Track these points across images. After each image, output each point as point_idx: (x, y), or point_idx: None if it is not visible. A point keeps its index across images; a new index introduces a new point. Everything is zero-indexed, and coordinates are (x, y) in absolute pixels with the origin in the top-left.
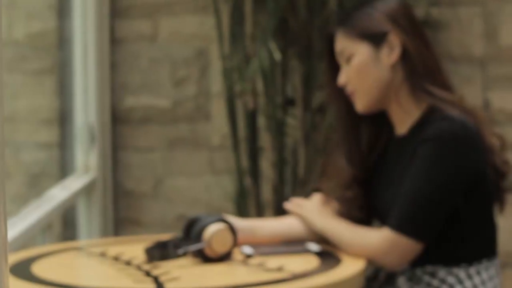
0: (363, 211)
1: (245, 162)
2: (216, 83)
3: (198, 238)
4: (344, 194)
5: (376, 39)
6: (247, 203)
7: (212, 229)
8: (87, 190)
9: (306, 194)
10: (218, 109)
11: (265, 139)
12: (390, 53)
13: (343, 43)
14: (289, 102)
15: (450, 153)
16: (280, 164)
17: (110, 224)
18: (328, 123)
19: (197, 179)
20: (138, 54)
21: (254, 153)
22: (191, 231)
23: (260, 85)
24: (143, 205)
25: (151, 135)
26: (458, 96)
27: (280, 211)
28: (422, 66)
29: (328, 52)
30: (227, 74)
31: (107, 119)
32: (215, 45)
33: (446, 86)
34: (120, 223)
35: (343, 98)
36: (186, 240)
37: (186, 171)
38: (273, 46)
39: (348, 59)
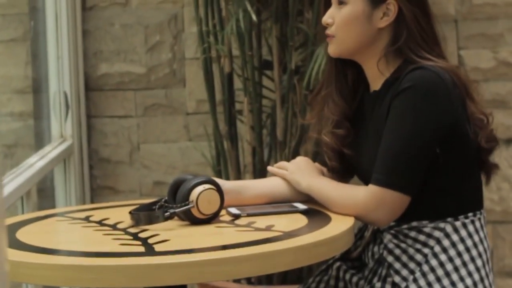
0: (351, 149)
1: (222, 126)
2: (190, 48)
3: (185, 199)
4: (336, 131)
5: (375, 0)
6: (226, 167)
7: (199, 190)
8: (63, 158)
9: (285, 156)
10: (193, 74)
11: (241, 103)
12: (383, 17)
13: None
14: (266, 65)
15: (423, 100)
16: (258, 127)
17: (87, 192)
18: (305, 85)
19: (173, 145)
20: (111, 21)
21: (232, 117)
22: (178, 192)
23: (235, 48)
24: (119, 172)
25: (125, 102)
26: (454, 64)
27: (259, 174)
28: (418, 36)
29: None
30: (202, 37)
31: (81, 87)
32: (187, 9)
33: (442, 56)
34: (97, 190)
35: None
36: (172, 202)
37: (162, 137)
38: (250, 8)
39: (340, 3)
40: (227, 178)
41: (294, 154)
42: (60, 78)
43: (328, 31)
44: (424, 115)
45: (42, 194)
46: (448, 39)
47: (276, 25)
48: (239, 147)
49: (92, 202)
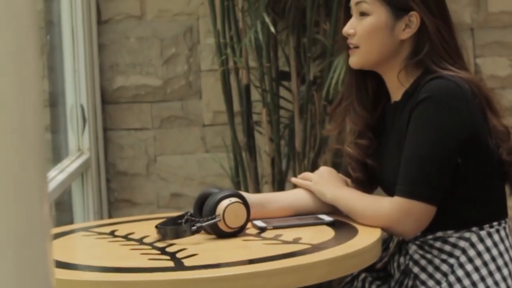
0: (374, 159)
1: (240, 137)
2: (206, 60)
3: (211, 213)
4: (359, 142)
5: (398, 11)
6: (245, 178)
7: (226, 203)
8: (81, 172)
9: (304, 167)
10: (209, 85)
11: (259, 114)
12: (405, 29)
13: None
14: (283, 76)
15: (443, 110)
16: (276, 138)
17: (105, 206)
18: (324, 95)
19: (190, 156)
20: (126, 34)
21: (250, 128)
22: (204, 206)
23: (251, 60)
24: (136, 185)
25: (142, 115)
26: (477, 77)
27: (278, 185)
28: (441, 48)
29: None
30: (220, 49)
31: (98, 100)
32: (203, 21)
33: (465, 69)
34: (114, 204)
35: None
36: (198, 216)
37: (179, 149)
38: (267, 19)
39: (362, 14)
40: (246, 190)
41: (313, 165)
42: (77, 91)
43: (352, 41)
44: (444, 125)
45: (60, 208)
46: (464, 48)
47: (293, 36)
48: (257, 158)
49: (109, 215)
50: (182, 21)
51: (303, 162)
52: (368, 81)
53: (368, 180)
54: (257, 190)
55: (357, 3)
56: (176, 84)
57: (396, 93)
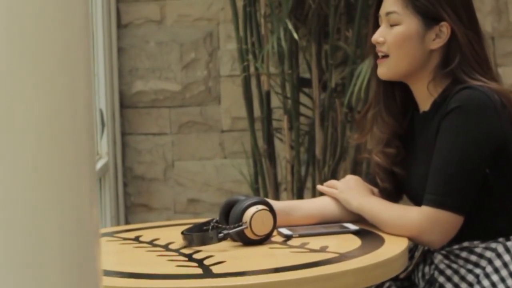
0: (401, 168)
1: (260, 143)
2: (226, 65)
3: (238, 220)
4: (386, 150)
5: (429, 21)
6: (265, 185)
7: (253, 211)
8: (99, 176)
9: (324, 174)
10: (228, 91)
11: (280, 120)
12: (435, 39)
13: (395, 6)
14: (303, 82)
15: (472, 120)
16: (296, 145)
17: (122, 210)
18: (346, 102)
19: (208, 162)
20: (146, 38)
21: (270, 135)
22: (231, 213)
23: (271, 66)
24: (154, 189)
25: (160, 119)
26: (508, 88)
27: (297, 192)
28: (471, 59)
29: (377, 4)
30: (242, 55)
31: (117, 105)
32: (223, 27)
33: (495, 79)
34: (131, 208)
35: None
36: (224, 223)
37: (197, 154)
38: (290, 26)
39: (393, 25)
40: (266, 196)
41: (333, 173)
42: (96, 95)
43: (381, 48)
44: (473, 135)
45: None
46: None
47: (315, 42)
48: (277, 165)
49: (126, 219)
50: (202, 26)
51: (323, 170)
52: (396, 90)
53: (395, 190)
54: (277, 197)
55: (387, 14)
56: (195, 89)
57: (425, 103)
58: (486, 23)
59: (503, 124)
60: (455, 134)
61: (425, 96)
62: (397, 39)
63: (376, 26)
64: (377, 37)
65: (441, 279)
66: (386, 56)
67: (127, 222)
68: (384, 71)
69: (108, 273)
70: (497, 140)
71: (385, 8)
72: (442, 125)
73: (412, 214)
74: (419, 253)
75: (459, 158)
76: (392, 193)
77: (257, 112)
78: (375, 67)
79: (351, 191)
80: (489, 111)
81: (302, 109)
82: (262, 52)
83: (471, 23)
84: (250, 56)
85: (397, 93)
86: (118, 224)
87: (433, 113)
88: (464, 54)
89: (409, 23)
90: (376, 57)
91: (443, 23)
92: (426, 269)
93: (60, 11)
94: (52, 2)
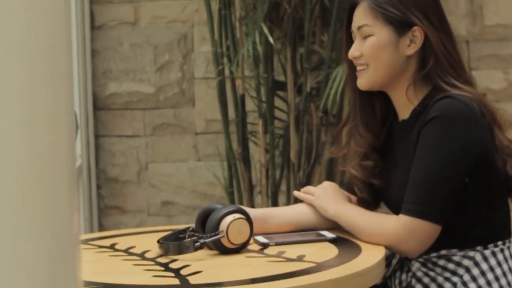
0: (379, 179)
1: (234, 146)
2: (200, 68)
3: (214, 229)
4: (364, 163)
5: (401, 28)
6: (239, 188)
7: (229, 220)
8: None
9: (299, 178)
10: (202, 93)
11: (254, 124)
12: (410, 45)
13: (366, 19)
14: (277, 85)
15: (452, 130)
16: (271, 149)
17: (95, 212)
18: (320, 106)
19: (182, 164)
20: (119, 40)
21: (244, 138)
22: (207, 222)
23: (246, 68)
24: (127, 192)
25: (134, 122)
26: (481, 92)
27: (272, 196)
28: (445, 62)
29: (347, 18)
30: (217, 59)
31: (90, 107)
32: (197, 29)
33: (469, 82)
34: (104, 210)
35: None
36: (200, 231)
37: (171, 157)
38: (266, 30)
39: (366, 37)
40: (240, 200)
41: (308, 177)
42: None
43: (359, 61)
44: (453, 145)
45: None
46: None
47: (290, 46)
48: (251, 168)
49: (99, 222)
50: (176, 28)
51: (298, 173)
52: (375, 101)
53: (373, 200)
54: (251, 200)
55: (359, 28)
56: (169, 91)
57: (404, 111)
58: (461, 26)
59: (483, 133)
60: (434, 144)
61: (404, 104)
62: (372, 50)
63: (349, 43)
64: (353, 52)
65: (418, 286)
66: (365, 68)
67: (100, 225)
68: (364, 81)
69: (84, 283)
70: (477, 150)
71: (356, 22)
72: (422, 134)
73: (390, 222)
74: (396, 260)
75: (438, 167)
76: (370, 202)
77: (231, 115)
78: (350, 82)
79: (327, 198)
80: (469, 120)
81: (277, 113)
82: (237, 56)
83: (442, 25)
84: (225, 60)
85: (377, 103)
86: (91, 226)
87: (413, 121)
88: (438, 56)
89: (381, 33)
90: (355, 70)
91: (415, 27)
92: (403, 276)
93: (42, 14)
94: (34, 4)
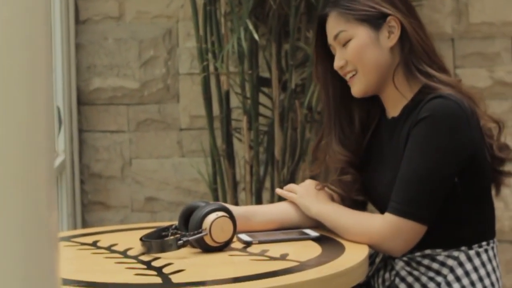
0: (360, 194)
1: (218, 143)
2: (184, 63)
3: (197, 227)
4: (342, 178)
5: (376, 22)
6: (223, 185)
7: (212, 218)
8: (56, 175)
9: (283, 175)
10: (187, 89)
11: (239, 120)
12: (390, 36)
13: (340, 26)
14: (262, 81)
15: (443, 131)
16: (255, 145)
17: (78, 208)
18: (305, 103)
19: (166, 160)
20: (104, 35)
21: (229, 134)
22: (190, 220)
23: (230, 65)
24: (111, 187)
25: (118, 117)
26: (456, 79)
27: (256, 193)
28: (420, 48)
29: (318, 33)
30: (202, 55)
31: (74, 101)
32: (182, 24)
33: (443, 68)
34: (87, 206)
35: (333, 82)
36: (183, 229)
37: (155, 153)
38: (251, 27)
39: (345, 43)
40: (224, 196)
41: (292, 174)
42: (53, 92)
43: (347, 69)
44: (444, 145)
45: None
46: (444, 58)
47: (275, 42)
48: (235, 165)
49: (83, 218)
50: (161, 24)
51: (282, 170)
52: (355, 112)
53: (358, 204)
54: (235, 197)
55: (335, 37)
56: (154, 87)
57: (395, 108)
58: (446, 24)
59: (474, 134)
60: (425, 144)
61: (396, 100)
62: (356, 53)
63: (321, 60)
64: (337, 62)
65: (402, 286)
66: (354, 74)
67: (83, 221)
68: (358, 88)
69: (66, 281)
70: (467, 151)
71: (330, 34)
72: (412, 133)
73: (375, 221)
74: (380, 258)
75: (427, 168)
76: (356, 205)
77: (216, 111)
78: (325, 99)
79: (310, 196)
80: (461, 121)
81: (262, 109)
82: (222, 52)
83: (411, 12)
84: (210, 56)
85: (356, 115)
86: (74, 222)
87: (403, 119)
88: (412, 43)
89: (359, 34)
90: (328, 87)
91: (389, 18)
92: (387, 275)
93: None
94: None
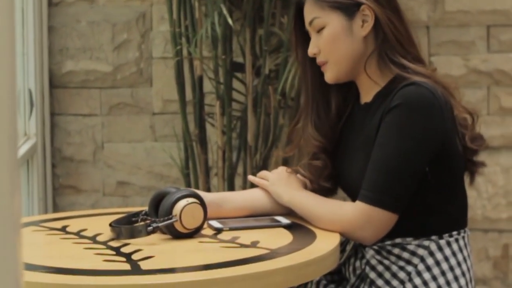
0: (330, 181)
1: (191, 128)
2: (158, 47)
3: (168, 213)
4: (313, 163)
5: (349, 10)
6: (195, 170)
7: (183, 204)
8: (27, 157)
9: (256, 161)
10: (160, 73)
11: (212, 105)
12: (363, 25)
13: (314, 13)
14: (236, 67)
15: (415, 119)
16: (228, 131)
17: (49, 191)
18: (279, 89)
19: (138, 145)
20: (77, 18)
21: (202, 120)
22: (160, 206)
23: (204, 49)
24: (82, 171)
25: (90, 100)
26: (430, 68)
27: (228, 179)
28: (394, 38)
29: (295, 18)
30: (175, 39)
31: (46, 84)
32: (156, 8)
33: (418, 58)
34: (59, 190)
35: (311, 67)
36: (153, 215)
37: (127, 137)
38: (225, 11)
39: (320, 29)
40: (196, 182)
41: (265, 160)
42: (25, 75)
43: (319, 59)
44: (416, 133)
45: None
46: (419, 45)
47: (249, 27)
48: (208, 150)
49: (54, 202)
50: (135, 7)
51: (255, 156)
52: (331, 97)
53: (327, 190)
54: (207, 182)
55: (310, 23)
56: (127, 70)
57: (368, 94)
58: (422, 12)
59: (446, 122)
60: (397, 132)
61: (369, 86)
62: (328, 42)
63: (299, 43)
64: (311, 49)
65: (372, 275)
66: (326, 63)
67: (54, 204)
68: (329, 75)
69: (33, 267)
70: (439, 140)
71: (307, 19)
72: (385, 120)
73: (346, 209)
74: (351, 246)
75: (399, 156)
76: (324, 193)
77: (189, 96)
78: (304, 82)
79: (282, 184)
80: (433, 109)
81: (235, 95)
82: (196, 36)
83: (388, 2)
84: (183, 40)
85: (333, 99)
86: (45, 206)
87: (376, 105)
88: (386, 33)
89: (332, 22)
90: (307, 71)
91: (363, 6)
92: (357, 263)
93: None
94: None
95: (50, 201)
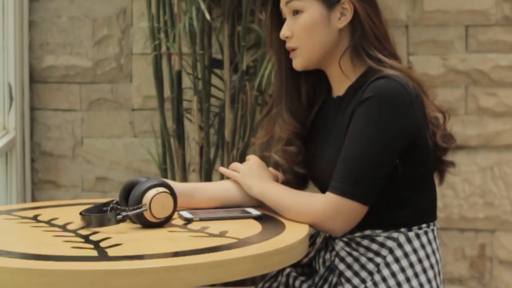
0: (303, 167)
1: (170, 124)
2: (138, 43)
3: (137, 202)
4: (287, 149)
5: (330, 1)
6: (173, 165)
7: (152, 193)
8: (5, 151)
9: (233, 157)
10: (140, 69)
11: (190, 101)
12: (341, 18)
13: None
14: (214, 63)
15: (386, 111)
16: (206, 126)
17: (28, 186)
18: (256, 85)
19: (118, 140)
20: (58, 13)
21: (180, 115)
22: (130, 195)
23: (184, 45)
24: (61, 166)
25: (70, 96)
26: (407, 65)
27: (206, 174)
28: (372, 34)
29: (273, 2)
30: (154, 34)
31: (26, 79)
32: (136, 4)
33: (394, 55)
34: (38, 185)
35: (286, 53)
36: (124, 205)
37: (106, 132)
38: (203, 6)
39: (296, 13)
40: (173, 177)
41: (242, 155)
42: (5, 69)
43: (290, 44)
44: (387, 126)
45: None
46: (398, 44)
47: (228, 24)
48: (186, 146)
49: (33, 196)
50: (116, 3)
51: (232, 152)
52: (302, 86)
53: (299, 181)
54: (184, 178)
55: (287, 3)
56: (107, 66)
57: (340, 87)
58: (401, 11)
59: (417, 115)
60: (368, 124)
61: (341, 79)
62: (304, 28)
63: (275, 26)
64: (284, 31)
65: (342, 266)
66: (295, 49)
67: (33, 199)
68: (298, 62)
69: (0, 252)
70: (410, 133)
71: None
72: (356, 113)
73: (316, 200)
74: (321, 239)
75: (370, 148)
76: (296, 184)
77: (167, 92)
78: (278, 67)
79: (252, 175)
80: (405, 103)
81: (213, 91)
82: (174, 31)
83: None
84: (162, 35)
85: (303, 89)
86: (24, 200)
87: (348, 98)
88: (364, 28)
89: (311, 9)
90: (281, 56)
91: (343, 0)
92: (327, 255)
93: None
94: None
95: (29, 196)
